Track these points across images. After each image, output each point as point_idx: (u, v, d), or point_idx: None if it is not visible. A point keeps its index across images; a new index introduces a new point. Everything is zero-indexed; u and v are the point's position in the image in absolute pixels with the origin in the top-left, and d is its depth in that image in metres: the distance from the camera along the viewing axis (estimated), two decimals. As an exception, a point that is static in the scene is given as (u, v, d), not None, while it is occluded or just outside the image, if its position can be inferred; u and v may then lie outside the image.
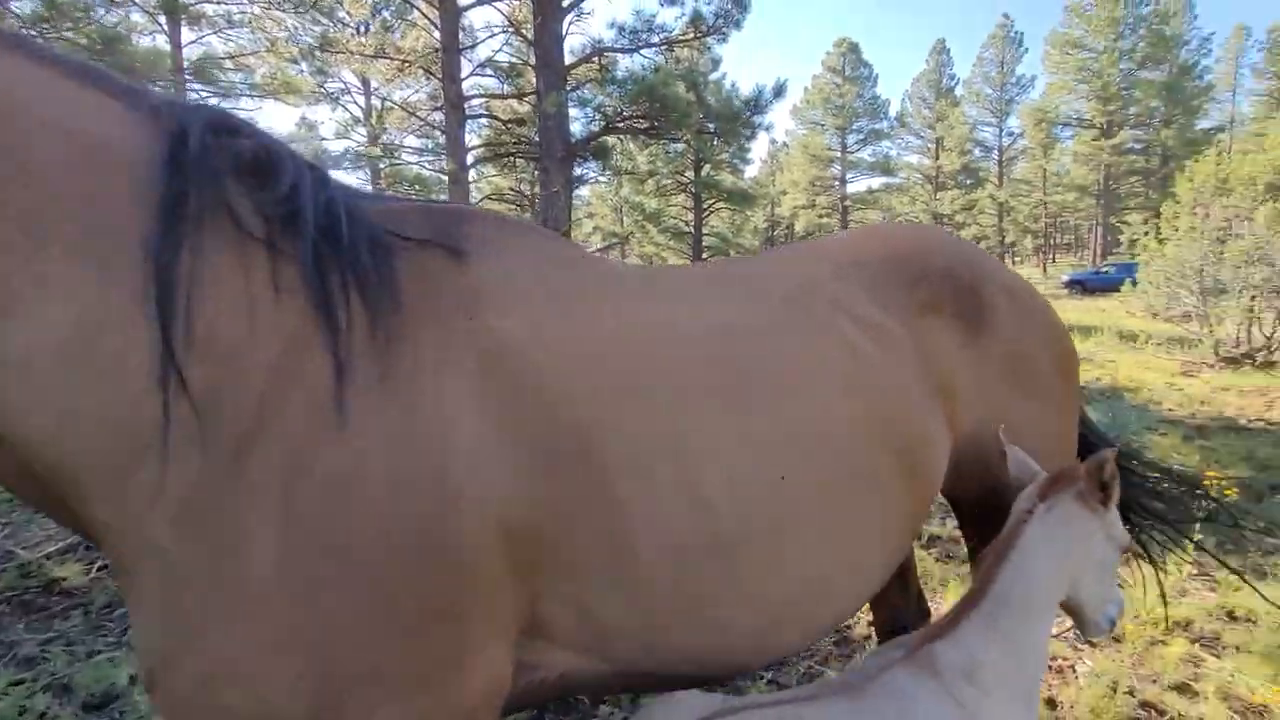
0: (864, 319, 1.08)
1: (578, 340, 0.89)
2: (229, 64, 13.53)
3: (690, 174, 23.37)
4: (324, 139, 20.77)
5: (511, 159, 14.08)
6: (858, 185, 38.93)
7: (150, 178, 0.70)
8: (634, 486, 0.85)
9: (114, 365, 0.66)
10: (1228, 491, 3.33)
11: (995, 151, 39.69)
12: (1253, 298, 8.43)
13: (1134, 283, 10.81)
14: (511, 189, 12.34)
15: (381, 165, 18.28)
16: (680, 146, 22.53)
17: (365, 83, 17.60)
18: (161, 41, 12.51)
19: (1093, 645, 2.32)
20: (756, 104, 11.32)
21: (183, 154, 0.72)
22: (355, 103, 19.65)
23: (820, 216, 38.08)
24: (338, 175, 1.00)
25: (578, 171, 14.16)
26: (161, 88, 8.62)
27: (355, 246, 0.80)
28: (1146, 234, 10.41)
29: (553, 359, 0.85)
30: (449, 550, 0.74)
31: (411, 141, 16.42)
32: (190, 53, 12.98)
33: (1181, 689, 2.12)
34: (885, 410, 1.04)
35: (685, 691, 0.96)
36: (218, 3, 12.58)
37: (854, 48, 37.06)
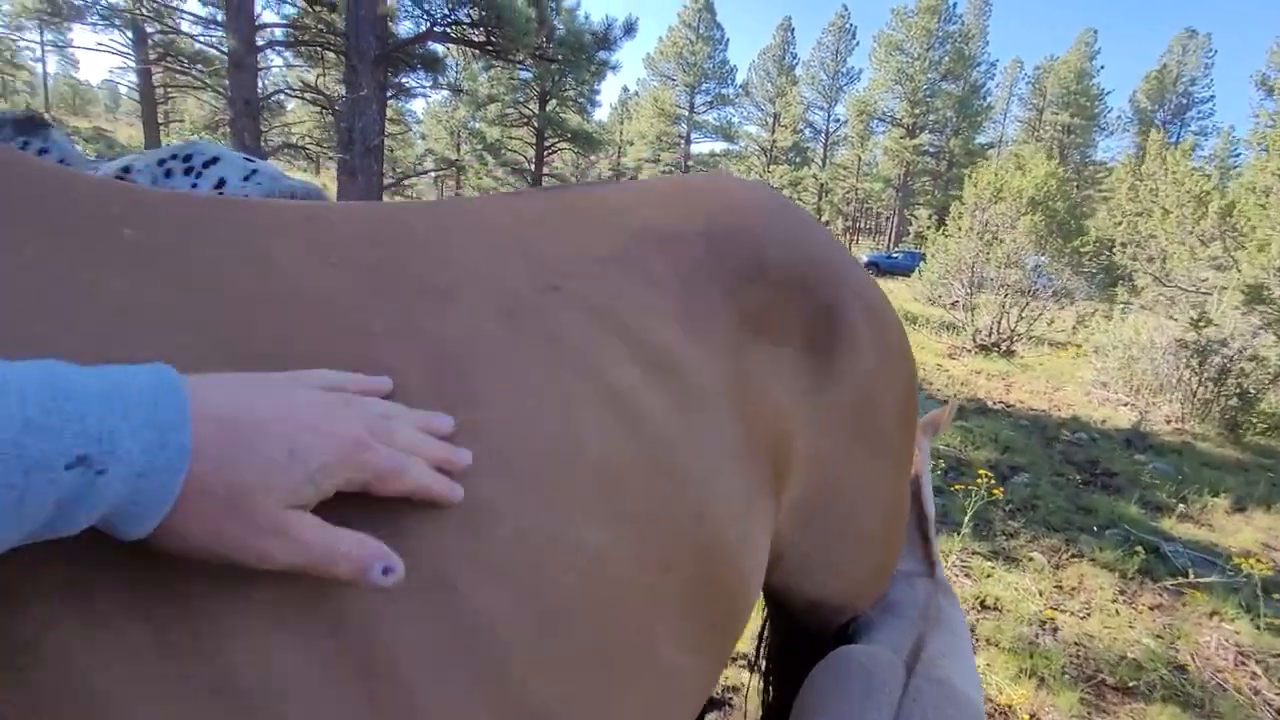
0: (651, 345, 0.56)
1: None
2: None
3: (534, 106, 21.97)
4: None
5: (317, 50, 11.83)
6: (701, 147, 39.85)
7: None
8: None
9: None
10: (993, 490, 3.67)
11: (822, 134, 42.97)
12: (1005, 295, 9.90)
13: (920, 270, 12.21)
14: (310, 86, 10.24)
15: (150, 31, 14.29)
16: (527, 75, 21.10)
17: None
18: None
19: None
20: (605, 39, 10.61)
21: None
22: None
23: (664, 173, 38.46)
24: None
25: (403, 80, 12.46)
26: None
27: None
28: (933, 228, 11.72)
29: None
30: None
31: (195, 7, 12.93)
32: None
33: (941, 689, 2.15)
34: (677, 527, 0.52)
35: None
36: None
37: (709, 6, 37.19)
